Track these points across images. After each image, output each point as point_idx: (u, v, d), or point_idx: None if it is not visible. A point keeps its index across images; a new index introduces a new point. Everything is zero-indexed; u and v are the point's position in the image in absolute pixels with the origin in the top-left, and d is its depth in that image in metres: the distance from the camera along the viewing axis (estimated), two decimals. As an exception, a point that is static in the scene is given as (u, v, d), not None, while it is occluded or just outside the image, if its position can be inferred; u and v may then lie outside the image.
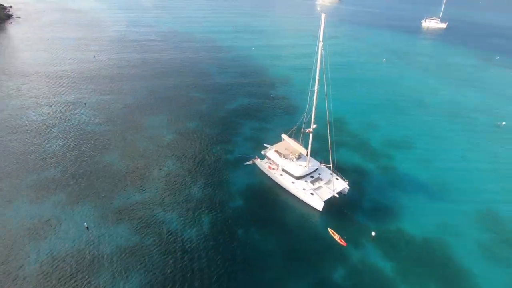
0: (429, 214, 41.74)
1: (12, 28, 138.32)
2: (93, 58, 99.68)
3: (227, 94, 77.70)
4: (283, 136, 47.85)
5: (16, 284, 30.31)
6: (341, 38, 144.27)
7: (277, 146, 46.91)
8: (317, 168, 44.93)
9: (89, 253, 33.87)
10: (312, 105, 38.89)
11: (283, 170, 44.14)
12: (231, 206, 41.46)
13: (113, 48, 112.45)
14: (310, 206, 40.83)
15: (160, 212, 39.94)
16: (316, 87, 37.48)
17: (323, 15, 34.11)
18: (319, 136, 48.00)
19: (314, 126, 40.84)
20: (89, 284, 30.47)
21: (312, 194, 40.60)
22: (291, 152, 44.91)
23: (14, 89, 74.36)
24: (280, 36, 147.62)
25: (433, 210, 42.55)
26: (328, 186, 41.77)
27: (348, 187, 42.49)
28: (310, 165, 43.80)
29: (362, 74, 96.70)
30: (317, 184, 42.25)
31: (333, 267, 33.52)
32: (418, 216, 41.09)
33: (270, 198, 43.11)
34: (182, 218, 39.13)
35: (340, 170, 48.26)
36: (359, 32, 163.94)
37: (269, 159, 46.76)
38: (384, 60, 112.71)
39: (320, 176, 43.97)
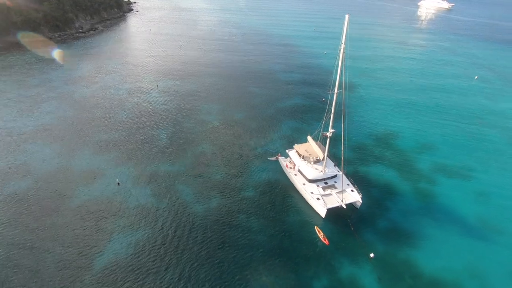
0: (456, 253, 35.80)
1: (129, 19, 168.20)
2: (178, 50, 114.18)
3: (283, 92, 79.34)
4: (309, 138, 47.37)
5: (58, 212, 39.08)
6: (434, 50, 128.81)
7: (300, 146, 46.74)
8: (336, 175, 43.20)
9: (117, 202, 40.90)
10: (331, 108, 37.78)
11: (299, 170, 43.96)
12: (242, 194, 43.55)
13: (197, 44, 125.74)
14: (314, 211, 39.88)
15: (179, 185, 44.86)
16: (336, 90, 36.32)
17: (347, 16, 32.85)
18: (356, 147, 45.88)
19: (332, 130, 39.49)
20: (107, 224, 37.13)
21: (318, 199, 39.54)
22: (310, 155, 44.27)
23: (110, 68, 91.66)
24: (365, 45, 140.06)
25: (463, 249, 36.27)
26: (338, 195, 39.98)
27: (361, 201, 39.72)
28: (326, 170, 42.49)
29: (442, 92, 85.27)
30: (328, 191, 40.82)
31: (314, 271, 32.53)
32: (440, 252, 35.68)
33: (280, 195, 43.55)
34: (195, 194, 43.16)
35: (363, 182, 45.44)
36: (461, 44, 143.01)
37: (289, 158, 47.10)
38: (476, 77, 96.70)
39: (336, 184, 42.21)
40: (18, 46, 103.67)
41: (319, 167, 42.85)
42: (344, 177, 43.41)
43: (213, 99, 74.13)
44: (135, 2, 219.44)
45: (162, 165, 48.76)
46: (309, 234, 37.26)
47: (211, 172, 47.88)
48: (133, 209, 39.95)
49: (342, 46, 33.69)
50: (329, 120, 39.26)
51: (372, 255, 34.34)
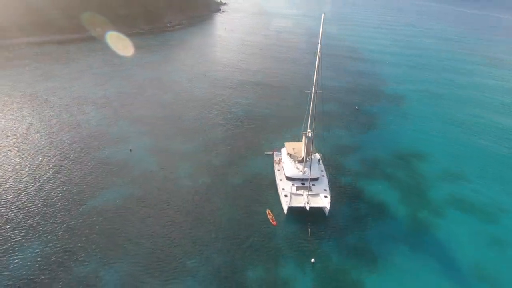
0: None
1: (214, 18, 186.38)
2: (242, 47, 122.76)
3: (324, 97, 78.14)
4: (303, 137, 47.17)
5: (81, 158, 49.10)
6: None
7: (290, 144, 46.93)
8: (317, 179, 42.34)
9: (124, 163, 49.04)
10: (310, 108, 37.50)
11: (282, 167, 44.60)
12: (228, 181, 46.27)
13: (263, 47, 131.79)
14: (281, 206, 40.24)
15: (181, 161, 50.44)
16: (313, 91, 36.07)
17: (323, 14, 32.42)
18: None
19: (309, 131, 39.05)
20: (109, 177, 45.24)
21: (286, 196, 39.80)
22: (296, 153, 44.28)
23: (179, 57, 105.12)
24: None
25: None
26: (309, 197, 39.41)
27: (328, 208, 38.32)
28: (306, 171, 42.04)
29: None
30: (300, 191, 40.51)
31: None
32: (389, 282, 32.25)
33: (261, 187, 44.91)
34: (189, 171, 48.04)
35: (345, 190, 43.74)
36: None
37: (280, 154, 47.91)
38: None
39: (313, 187, 41.46)
40: (117, 35, 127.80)
41: (301, 166, 42.68)
42: (326, 181, 42.31)
43: (248, 93, 78.58)
44: (225, 4, 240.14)
45: (176, 144, 55.32)
46: (262, 221, 38.34)
47: (212, 157, 51.93)
48: (135, 171, 47.18)
49: (319, 46, 33.50)
50: (308, 119, 38.97)
51: (313, 260, 33.39)
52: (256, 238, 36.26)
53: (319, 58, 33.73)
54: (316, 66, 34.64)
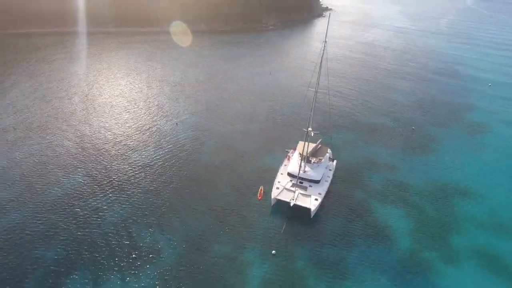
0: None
1: (313, 23, 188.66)
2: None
3: (379, 110, 72.87)
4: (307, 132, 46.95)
5: (140, 125, 60.69)
6: None
7: (303, 144, 46.84)
8: (318, 181, 41.68)
9: (169, 132, 58.43)
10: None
11: (290, 162, 45.39)
12: (245, 163, 50.29)
13: (355, 50, 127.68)
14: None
15: (210, 141, 56.73)
16: (315, 89, 35.74)
17: (328, 13, 31.76)
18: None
19: (310, 129, 38.64)
20: (152, 138, 55.12)
21: (277, 188, 40.81)
22: (310, 153, 44.18)
23: (267, 59, 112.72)
24: None
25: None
26: (299, 196, 39.56)
27: (312, 210, 37.93)
28: (308, 172, 41.84)
29: None
30: (294, 188, 40.84)
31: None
32: None
33: (269, 173, 46.87)
34: (212, 149, 53.90)
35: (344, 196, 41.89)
36: None
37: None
38: None
39: (310, 188, 41.11)
40: (220, 31, 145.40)
41: (306, 166, 42.71)
42: (326, 187, 41.39)
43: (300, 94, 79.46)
44: (331, 9, 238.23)
45: (215, 125, 62.05)
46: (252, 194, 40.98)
47: (241, 142, 56.40)
48: (177, 139, 55.99)
49: (324, 43, 33.29)
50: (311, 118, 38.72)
51: (274, 252, 34.02)
52: (239, 212, 39.55)
53: (321, 57, 33.54)
54: (320, 63, 34.55)
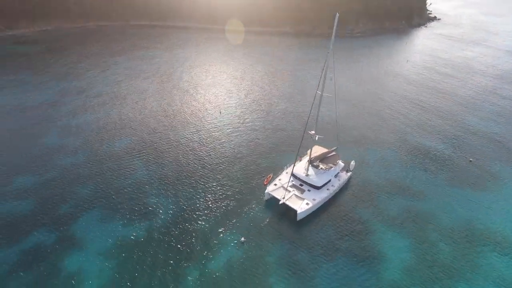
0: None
1: (406, 34, 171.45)
2: (406, 62, 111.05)
3: (438, 132, 63.70)
4: (335, 148, 45.18)
5: (183, 111, 68.75)
6: None
7: (320, 148, 45.73)
8: (319, 188, 40.75)
9: (216, 122, 64.73)
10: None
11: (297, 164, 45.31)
12: (267, 153, 52.70)
13: (437, 69, 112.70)
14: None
15: (243, 130, 60.52)
16: (321, 92, 34.88)
17: (337, 14, 30.37)
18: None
19: (313, 132, 37.78)
20: (196, 121, 62.31)
21: (275, 184, 41.61)
22: (319, 159, 43.31)
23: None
24: None
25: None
26: (292, 196, 39.69)
27: (298, 213, 37.78)
28: (311, 176, 41.27)
29: None
30: (291, 189, 41.09)
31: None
32: None
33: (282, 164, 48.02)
34: (235, 137, 57.59)
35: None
36: None
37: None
38: None
39: (308, 192, 40.70)
40: (304, 34, 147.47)
41: (311, 170, 42.21)
42: (325, 195, 40.38)
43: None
44: (439, 19, 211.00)
45: (249, 117, 65.54)
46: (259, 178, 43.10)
47: (268, 135, 58.65)
48: (219, 126, 61.95)
49: (331, 46, 32.35)
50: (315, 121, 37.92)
51: (243, 239, 35.48)
52: (237, 198, 42.48)
53: (326, 60, 32.63)
54: (325, 65, 33.76)
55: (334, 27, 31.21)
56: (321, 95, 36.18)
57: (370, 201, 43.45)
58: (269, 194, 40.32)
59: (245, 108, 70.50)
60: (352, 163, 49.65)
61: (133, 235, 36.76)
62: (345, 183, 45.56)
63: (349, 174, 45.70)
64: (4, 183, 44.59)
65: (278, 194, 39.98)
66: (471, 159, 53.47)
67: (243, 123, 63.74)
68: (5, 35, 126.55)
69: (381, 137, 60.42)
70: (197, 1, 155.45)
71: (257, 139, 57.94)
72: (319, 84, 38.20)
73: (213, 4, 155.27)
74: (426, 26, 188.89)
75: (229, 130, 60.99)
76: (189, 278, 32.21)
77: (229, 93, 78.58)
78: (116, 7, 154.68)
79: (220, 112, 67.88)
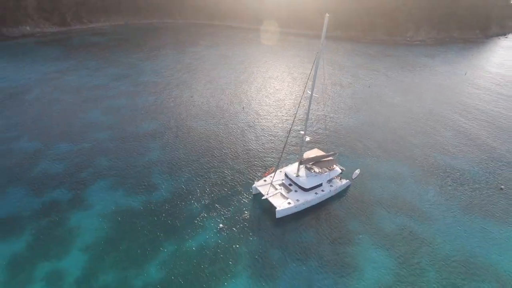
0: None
1: (486, 46, 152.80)
2: (464, 75, 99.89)
3: (470, 152, 56.78)
4: (335, 154, 44.14)
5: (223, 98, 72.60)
6: None
7: (317, 151, 44.90)
8: (306, 190, 40.42)
9: (238, 116, 67.71)
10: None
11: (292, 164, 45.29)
12: (255, 154, 53.60)
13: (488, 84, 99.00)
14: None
15: (258, 126, 62.14)
16: (312, 91, 34.46)
17: (327, 15, 29.48)
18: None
19: (302, 132, 37.43)
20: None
21: (265, 180, 42.41)
22: (314, 161, 42.79)
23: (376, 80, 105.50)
24: None
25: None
26: (276, 194, 40.26)
27: (277, 211, 38.22)
28: (301, 177, 41.10)
29: None
30: (279, 187, 41.45)
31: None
32: None
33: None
34: (256, 135, 59.34)
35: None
36: None
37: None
38: None
39: (294, 193, 40.60)
40: (354, 39, 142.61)
41: (304, 171, 42.00)
42: (310, 198, 40.01)
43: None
44: None
45: (266, 118, 66.70)
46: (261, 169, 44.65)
47: (279, 133, 59.26)
48: (239, 119, 64.87)
49: (321, 45, 31.83)
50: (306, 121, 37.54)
51: (221, 225, 37.16)
52: (232, 186, 44.50)
53: (316, 63, 32.00)
54: (315, 66, 33.21)
55: (324, 28, 30.81)
56: (311, 95, 35.83)
57: (365, 213, 41.37)
58: (256, 188, 41.24)
59: (267, 106, 71.86)
60: (357, 171, 47.74)
61: (131, 205, 41.18)
62: (343, 191, 44.09)
63: (345, 181, 44.06)
64: (48, 146, 53.39)
65: (264, 190, 40.68)
66: (502, 187, 46.83)
67: (261, 120, 65.24)
68: (86, 28, 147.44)
69: (401, 150, 56.33)
70: (249, 4, 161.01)
71: (270, 136, 58.92)
72: (306, 84, 37.88)
73: (263, 7, 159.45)
74: (506, 37, 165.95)
75: (246, 125, 63.08)
76: (165, 250, 35.11)
77: (257, 91, 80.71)
78: (178, 7, 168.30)
79: (243, 107, 70.32)
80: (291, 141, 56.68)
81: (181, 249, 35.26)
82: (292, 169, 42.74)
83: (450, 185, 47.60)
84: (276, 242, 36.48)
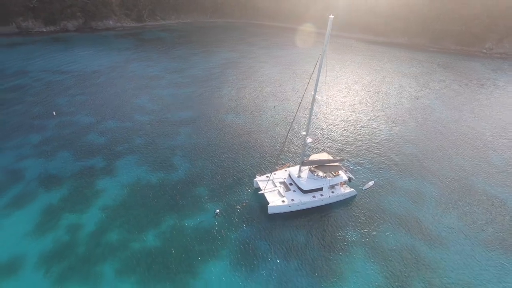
0: None
1: None
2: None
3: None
4: (342, 163, 43.04)
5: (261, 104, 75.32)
6: None
7: (325, 155, 44.04)
8: (305, 192, 40.43)
9: (269, 114, 69.79)
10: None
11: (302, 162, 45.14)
12: (273, 150, 54.45)
13: None
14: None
15: (282, 124, 63.03)
16: (314, 94, 34.36)
17: (331, 16, 29.00)
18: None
19: (304, 133, 37.42)
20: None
21: (267, 176, 43.57)
22: (318, 165, 42.37)
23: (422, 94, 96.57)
24: None
25: None
26: (273, 190, 41.20)
27: (268, 207, 39.21)
28: (302, 178, 41.18)
29: None
30: (279, 184, 42.13)
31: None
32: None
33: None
34: (275, 133, 60.52)
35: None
36: None
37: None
38: None
39: (291, 192, 40.93)
40: (420, 48, 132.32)
41: (306, 173, 42.03)
42: (306, 199, 40.06)
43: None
44: None
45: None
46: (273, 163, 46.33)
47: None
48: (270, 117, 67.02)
49: (325, 47, 31.57)
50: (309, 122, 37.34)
51: (218, 211, 39.53)
52: (240, 176, 46.60)
53: (320, 63, 31.64)
54: (318, 66, 32.92)
55: (328, 29, 30.55)
56: (314, 97, 35.69)
57: (367, 226, 39.49)
58: (256, 182, 42.57)
59: (299, 107, 71.87)
60: (370, 183, 45.68)
61: (149, 179, 46.23)
62: (349, 200, 42.68)
63: (350, 190, 42.44)
64: (98, 122, 62.45)
65: (263, 185, 41.79)
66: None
67: (289, 119, 65.85)
68: (158, 24, 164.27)
69: (431, 170, 51.46)
70: (316, 8, 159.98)
71: (293, 137, 59.35)
72: (307, 86, 37.57)
73: (326, 10, 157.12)
74: None
75: (273, 122, 64.45)
76: (165, 222, 38.87)
77: (293, 91, 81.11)
78: (241, 8, 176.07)
79: (275, 106, 71.73)
80: (322, 144, 56.55)
81: (179, 224, 38.66)
82: (293, 171, 42.98)
83: (479, 214, 42.30)
84: (265, 236, 37.41)
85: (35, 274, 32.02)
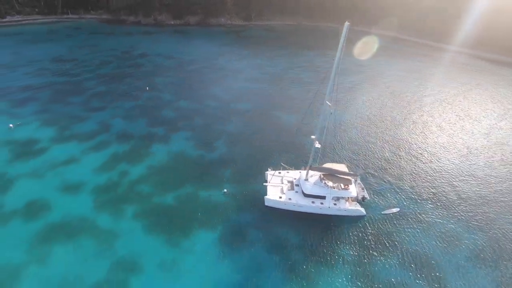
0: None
1: None
2: None
3: None
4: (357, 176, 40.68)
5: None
6: None
7: (340, 166, 42.23)
8: (305, 194, 40.67)
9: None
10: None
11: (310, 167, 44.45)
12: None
13: None
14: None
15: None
16: (327, 98, 33.97)
17: (347, 23, 28.06)
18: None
19: (313, 136, 37.41)
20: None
21: (279, 172, 45.35)
22: (328, 173, 41.50)
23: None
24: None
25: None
26: (276, 184, 42.92)
27: (265, 197, 41.38)
28: (307, 183, 41.39)
29: None
30: (286, 182, 43.57)
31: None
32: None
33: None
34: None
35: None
36: None
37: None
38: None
39: (294, 191, 41.68)
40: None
41: (314, 179, 41.92)
42: (304, 203, 40.40)
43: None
44: None
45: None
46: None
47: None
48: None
49: (338, 53, 31.07)
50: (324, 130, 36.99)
51: (225, 190, 44.09)
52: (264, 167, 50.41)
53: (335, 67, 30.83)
54: (333, 73, 32.36)
55: (343, 37, 29.85)
56: (326, 104, 35.20)
57: (368, 250, 36.57)
58: (267, 174, 44.81)
59: (359, 119, 68.59)
60: (394, 209, 41.91)
61: (190, 154, 54.06)
62: (358, 218, 40.39)
63: (356, 207, 39.80)
64: (176, 101, 75.09)
65: (269, 178, 43.71)
66: None
67: (342, 127, 64.06)
68: (263, 24, 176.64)
69: (480, 210, 42.49)
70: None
71: (343, 141, 58.34)
72: (316, 93, 36.61)
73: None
74: None
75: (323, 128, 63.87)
76: (183, 189, 45.60)
77: (365, 103, 76.94)
78: (346, 12, 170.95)
79: (331, 112, 70.11)
80: (364, 154, 54.31)
81: (194, 193, 44.92)
82: (302, 174, 43.19)
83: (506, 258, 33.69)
84: (260, 226, 39.46)
85: (86, 197, 43.73)
